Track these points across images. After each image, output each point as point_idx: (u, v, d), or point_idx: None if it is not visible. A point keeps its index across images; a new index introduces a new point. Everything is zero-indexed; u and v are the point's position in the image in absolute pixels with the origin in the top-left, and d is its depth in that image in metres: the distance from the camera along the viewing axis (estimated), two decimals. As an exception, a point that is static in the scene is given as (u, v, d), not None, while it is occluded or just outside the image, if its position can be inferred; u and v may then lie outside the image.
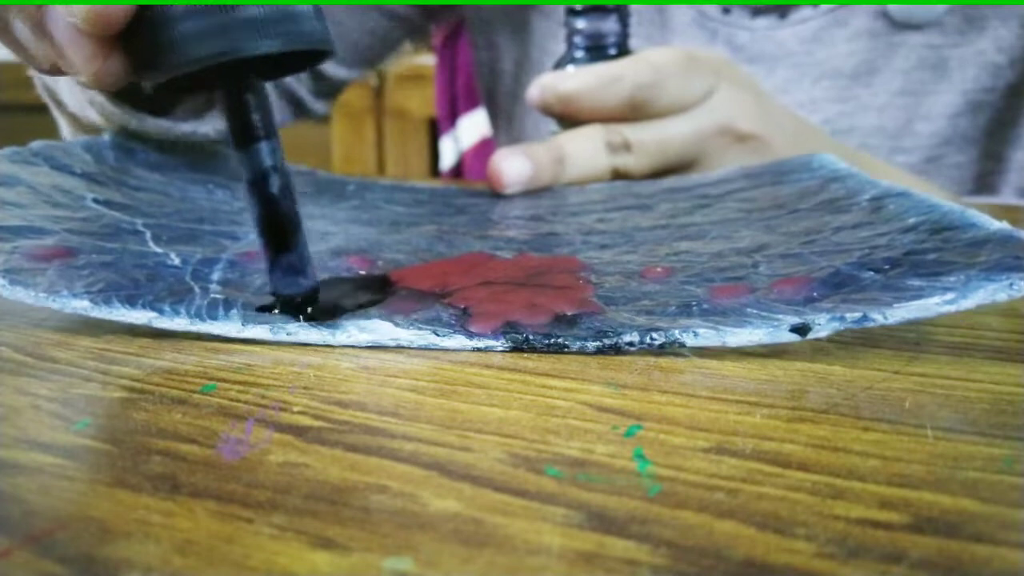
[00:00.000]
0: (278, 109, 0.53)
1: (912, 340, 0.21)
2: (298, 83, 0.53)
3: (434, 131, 1.16)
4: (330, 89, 0.56)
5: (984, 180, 0.47)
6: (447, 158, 0.92)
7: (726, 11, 0.47)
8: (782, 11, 0.46)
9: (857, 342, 0.21)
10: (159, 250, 0.25)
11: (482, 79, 0.59)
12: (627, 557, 0.12)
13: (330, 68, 0.54)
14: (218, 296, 0.22)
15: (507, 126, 0.57)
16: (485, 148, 0.82)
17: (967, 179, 0.46)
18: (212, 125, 0.37)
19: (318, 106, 0.56)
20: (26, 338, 0.21)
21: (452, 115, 0.88)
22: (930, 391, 0.18)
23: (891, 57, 0.45)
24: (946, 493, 0.14)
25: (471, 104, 0.83)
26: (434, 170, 1.25)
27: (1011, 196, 0.46)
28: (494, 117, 0.59)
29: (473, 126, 0.84)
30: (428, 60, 1.10)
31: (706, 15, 0.47)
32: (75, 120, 0.40)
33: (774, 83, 0.46)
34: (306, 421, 0.17)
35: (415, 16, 0.56)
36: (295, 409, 0.17)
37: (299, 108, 0.55)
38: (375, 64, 0.58)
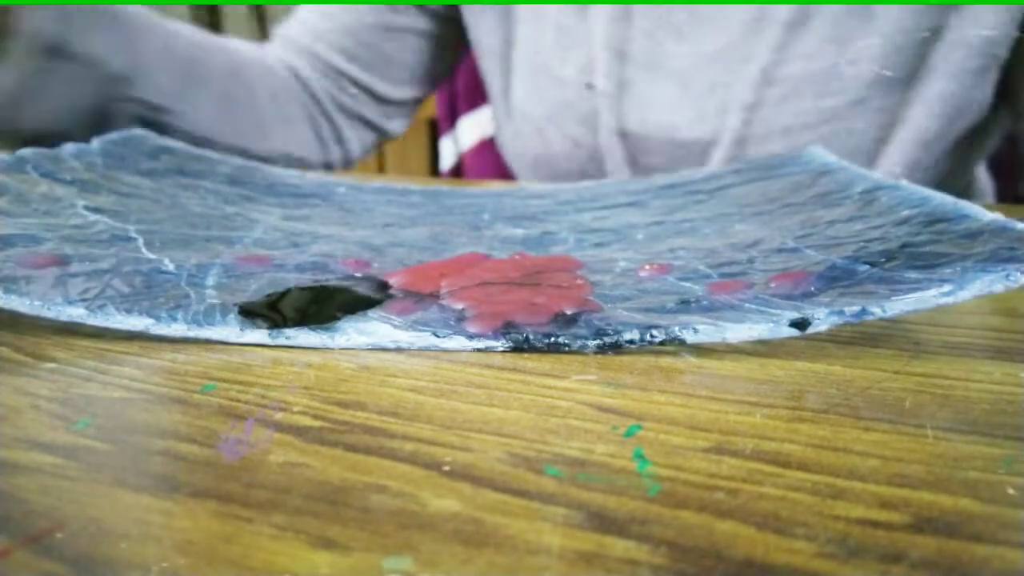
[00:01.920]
0: (357, 135, 0.60)
1: (912, 340, 0.21)
2: (367, 108, 0.59)
3: (434, 131, 1.16)
4: (398, 110, 0.61)
5: (906, 121, 0.49)
6: (447, 159, 0.92)
7: None
8: None
9: (857, 342, 0.21)
10: (152, 256, 0.25)
11: (478, 59, 0.62)
12: (627, 557, 0.12)
13: (388, 90, 0.60)
14: (214, 301, 0.22)
15: (503, 98, 0.58)
16: (485, 149, 0.82)
17: (890, 122, 0.48)
18: None
19: (393, 125, 0.61)
20: (26, 338, 0.21)
21: (452, 116, 0.87)
22: (930, 391, 0.18)
23: (823, 5, 0.47)
24: (946, 493, 0.14)
25: (471, 105, 0.83)
26: (434, 170, 1.25)
27: (927, 125, 0.48)
28: (491, 98, 0.62)
29: (473, 127, 0.84)
30: (428, 60, 1.10)
31: None
32: None
33: (726, 39, 0.48)
34: (306, 421, 0.17)
35: (441, 29, 0.60)
36: (295, 409, 0.17)
37: (378, 131, 0.61)
38: (434, 80, 0.63)
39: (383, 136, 0.62)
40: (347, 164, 0.61)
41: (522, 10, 0.54)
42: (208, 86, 0.48)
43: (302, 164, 0.56)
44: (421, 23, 0.59)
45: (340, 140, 0.59)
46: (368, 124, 0.60)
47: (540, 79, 0.53)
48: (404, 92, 0.60)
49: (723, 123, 0.48)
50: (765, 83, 0.47)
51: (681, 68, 0.49)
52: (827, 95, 0.47)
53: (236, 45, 0.54)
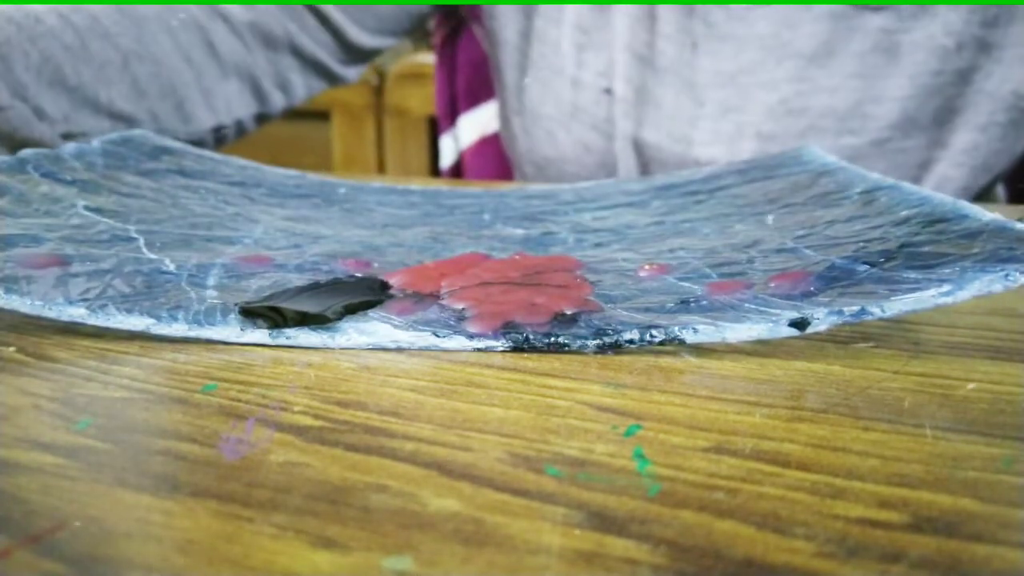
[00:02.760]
0: (304, 80, 0.53)
1: (911, 340, 0.21)
2: (324, 52, 0.53)
3: (434, 130, 1.16)
4: (358, 57, 0.56)
5: (927, 167, 0.48)
6: (447, 157, 0.92)
7: None
8: None
9: (856, 341, 0.21)
10: (153, 256, 0.25)
11: (490, 49, 0.59)
12: (627, 557, 0.12)
13: (357, 36, 0.54)
14: (215, 301, 0.22)
15: (517, 96, 0.57)
16: (485, 147, 0.82)
17: (911, 164, 0.47)
18: None
19: (348, 72, 0.56)
20: (26, 338, 0.21)
21: (452, 114, 0.87)
22: (929, 391, 0.18)
23: (848, 40, 0.46)
24: (945, 493, 0.14)
25: (471, 103, 0.83)
26: (434, 168, 1.25)
27: (949, 175, 0.48)
28: (502, 91, 0.59)
29: (473, 125, 0.84)
30: (428, 59, 1.10)
31: None
32: None
33: (741, 63, 0.48)
34: (307, 421, 0.17)
35: None
36: (296, 409, 0.17)
37: (328, 76, 0.55)
38: (400, 35, 0.58)
39: (335, 83, 0.56)
40: (285, 112, 0.54)
41: (543, 5, 0.53)
42: (105, 98, 0.42)
43: (238, 130, 0.50)
44: None
45: (284, 86, 0.52)
46: (322, 70, 0.54)
47: (556, 79, 0.52)
48: (375, 41, 0.55)
49: (738, 148, 0.47)
50: (784, 114, 0.46)
51: (699, 83, 0.48)
52: (848, 133, 0.46)
53: (141, 12, 0.45)
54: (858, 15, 0.45)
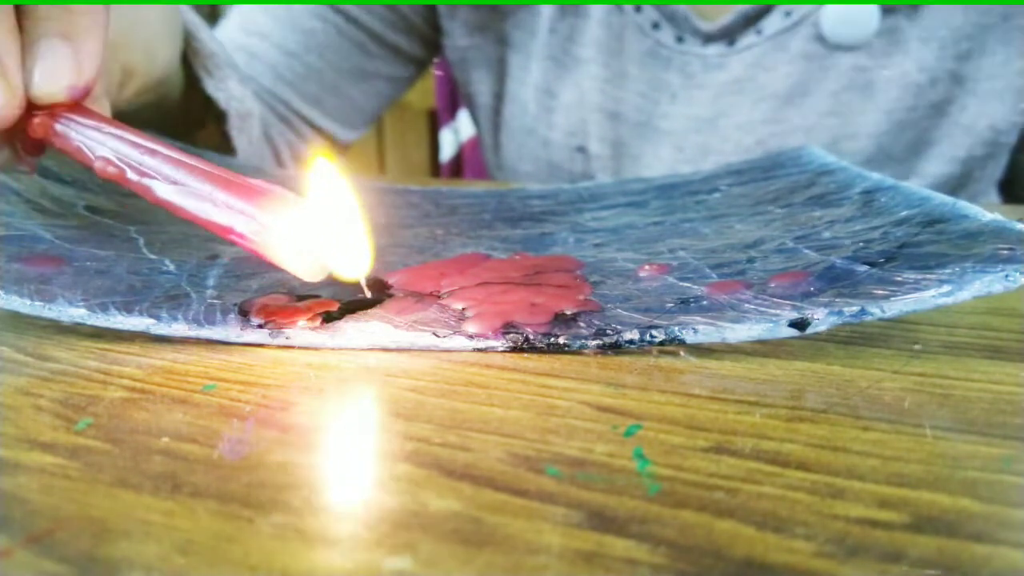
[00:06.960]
0: (289, 156, 0.54)
1: (911, 339, 0.21)
2: (310, 145, 0.55)
3: (434, 122, 1.16)
4: (340, 148, 0.59)
5: None
6: (447, 150, 0.92)
7: (680, 40, 0.49)
8: (730, 39, 0.48)
9: (856, 341, 0.21)
10: (153, 256, 0.25)
11: (470, 111, 0.61)
12: (627, 556, 0.12)
13: (340, 132, 0.56)
14: (215, 301, 0.22)
15: (494, 152, 0.59)
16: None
17: None
18: None
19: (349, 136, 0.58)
20: (26, 338, 0.21)
21: (452, 107, 0.88)
22: (929, 391, 0.18)
23: (822, 79, 0.47)
24: (945, 492, 0.14)
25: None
26: (434, 162, 1.24)
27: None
28: (482, 143, 0.62)
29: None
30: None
31: (661, 44, 0.49)
32: None
33: (719, 108, 0.48)
34: (306, 421, 0.17)
35: (412, 72, 0.59)
36: (295, 409, 0.17)
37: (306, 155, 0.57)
38: (376, 118, 0.61)
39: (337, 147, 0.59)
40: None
41: (513, 67, 0.54)
42: None
43: None
44: (396, 70, 0.57)
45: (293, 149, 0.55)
46: (301, 156, 0.56)
47: (528, 140, 0.54)
48: (356, 134, 0.58)
49: None
50: (761, 154, 0.47)
51: (675, 130, 0.49)
52: None
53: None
54: (831, 55, 0.46)
